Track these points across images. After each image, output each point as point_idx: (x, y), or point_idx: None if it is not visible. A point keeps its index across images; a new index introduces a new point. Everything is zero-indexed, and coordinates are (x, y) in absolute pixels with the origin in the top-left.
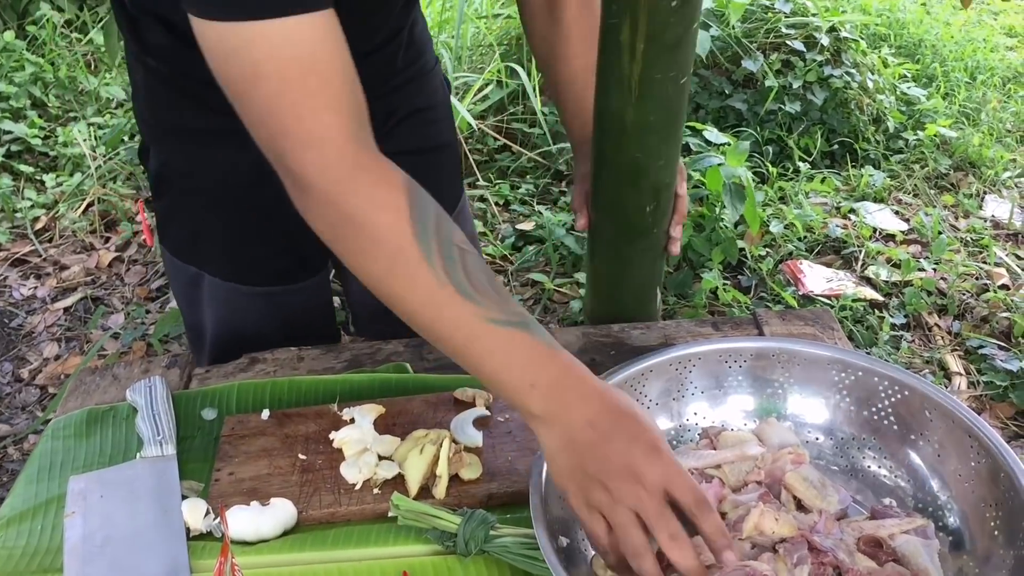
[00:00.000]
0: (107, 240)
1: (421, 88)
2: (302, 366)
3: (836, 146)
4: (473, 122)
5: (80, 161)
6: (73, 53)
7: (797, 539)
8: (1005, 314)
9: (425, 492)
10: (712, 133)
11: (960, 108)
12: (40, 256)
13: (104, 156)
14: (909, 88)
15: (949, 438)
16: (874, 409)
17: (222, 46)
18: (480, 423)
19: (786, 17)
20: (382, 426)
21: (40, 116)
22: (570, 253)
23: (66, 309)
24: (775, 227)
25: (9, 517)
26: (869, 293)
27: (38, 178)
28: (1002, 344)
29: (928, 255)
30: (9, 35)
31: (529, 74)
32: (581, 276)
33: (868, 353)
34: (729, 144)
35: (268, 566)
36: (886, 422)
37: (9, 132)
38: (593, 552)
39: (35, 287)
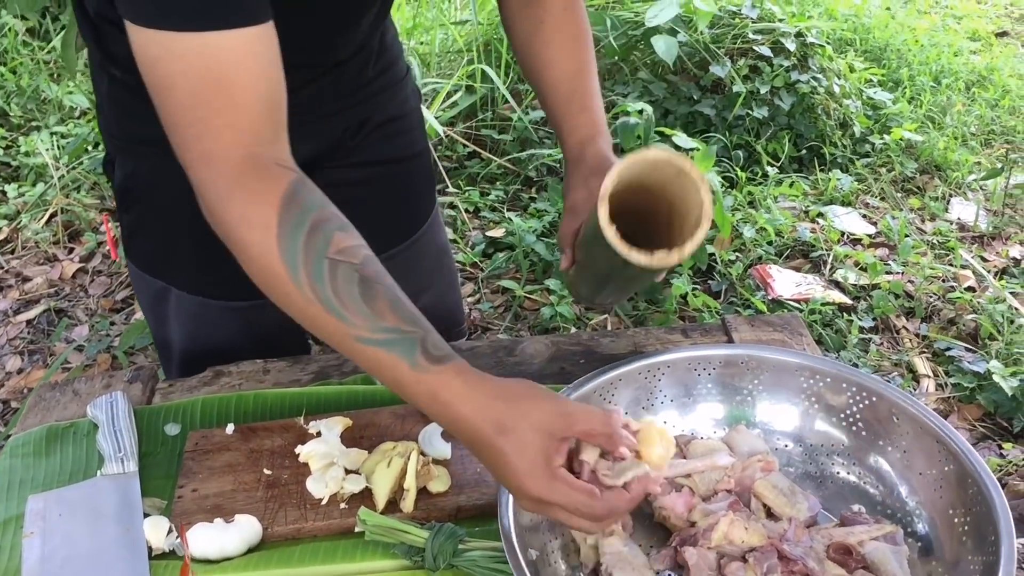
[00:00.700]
0: (71, 251)
1: (392, 97)
2: (268, 379)
3: (804, 151)
4: (441, 130)
5: (43, 171)
6: (35, 61)
7: (767, 548)
8: (971, 316)
9: (393, 506)
10: (681, 138)
11: (925, 112)
12: (2, 268)
13: (67, 166)
14: (875, 93)
15: (917, 444)
16: (843, 415)
17: (146, 52)
18: (449, 435)
19: (753, 23)
20: (349, 439)
21: (1, 125)
22: (540, 260)
23: (29, 322)
24: (745, 232)
25: None
26: (838, 297)
27: (0, 188)
28: (969, 346)
29: (895, 258)
30: None
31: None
32: (551, 283)
33: (837, 356)
34: (698, 149)
35: None
36: (854, 428)
37: None
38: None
39: None
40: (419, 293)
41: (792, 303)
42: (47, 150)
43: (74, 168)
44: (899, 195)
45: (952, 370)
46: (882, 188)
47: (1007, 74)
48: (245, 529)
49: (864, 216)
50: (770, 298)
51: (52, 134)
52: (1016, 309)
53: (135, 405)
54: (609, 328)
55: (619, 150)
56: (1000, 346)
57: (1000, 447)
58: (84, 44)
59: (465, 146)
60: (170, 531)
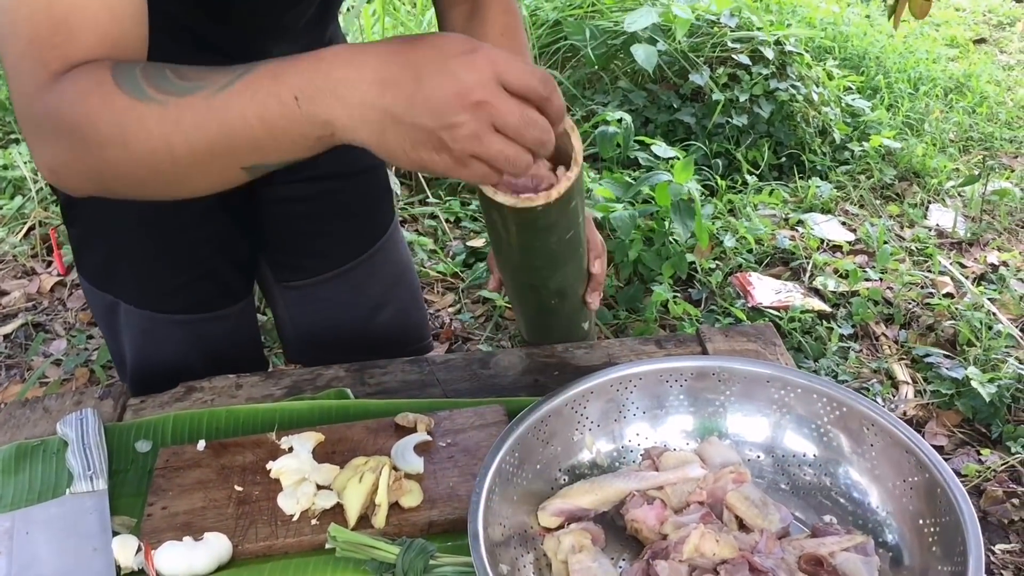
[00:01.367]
0: (49, 264)
1: None
2: (240, 394)
3: (784, 158)
4: None
5: (21, 184)
6: None
7: (738, 560)
8: (950, 322)
9: (365, 521)
10: (661, 147)
11: (904, 119)
12: None
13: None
14: (854, 100)
15: (887, 455)
16: (813, 426)
17: None
18: (421, 448)
19: (732, 31)
20: (321, 454)
21: None
22: None
23: (6, 336)
24: (725, 240)
25: None
26: (817, 304)
27: None
28: (947, 352)
29: (874, 265)
30: None
31: None
32: None
33: (816, 364)
34: (678, 158)
35: None
36: (825, 439)
37: None
38: None
39: None
40: (379, 307)
41: (772, 311)
42: (25, 163)
43: None
44: (878, 202)
45: (931, 376)
46: (861, 195)
47: (985, 81)
48: (214, 547)
49: (843, 223)
50: (750, 306)
51: None
52: (994, 315)
53: (106, 422)
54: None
55: (600, 159)
56: (978, 352)
57: (979, 453)
58: None
59: None
60: (139, 550)
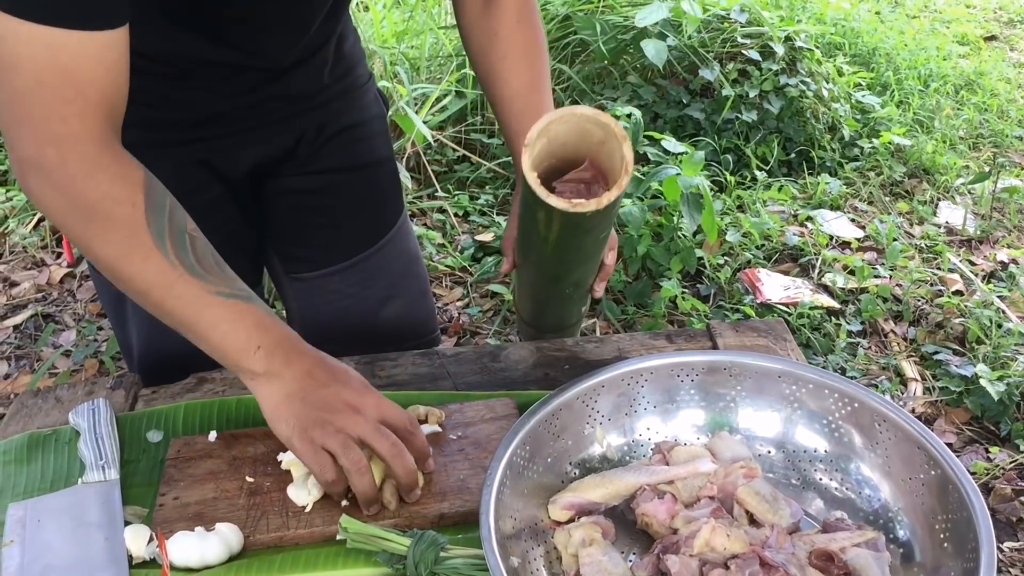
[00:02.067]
0: (58, 256)
1: (352, 104)
2: None
3: (793, 154)
4: (429, 135)
5: None
6: None
7: (749, 555)
8: (959, 320)
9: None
10: (670, 142)
11: (914, 116)
12: None
13: None
14: (864, 96)
15: (899, 450)
16: (825, 422)
17: None
18: (431, 440)
19: (742, 27)
20: None
21: None
22: None
23: (16, 327)
24: (733, 236)
25: None
26: (826, 300)
27: None
28: (957, 349)
29: (883, 262)
30: None
31: None
32: None
33: (825, 360)
34: (687, 153)
35: None
36: (836, 434)
37: None
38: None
39: None
40: (387, 300)
41: (780, 307)
42: None
43: None
44: (887, 199)
45: (940, 374)
46: (870, 192)
47: (995, 78)
48: (226, 537)
49: (852, 220)
50: (758, 302)
51: None
52: (1003, 313)
53: (117, 412)
54: (598, 332)
55: None
56: (987, 350)
57: (987, 451)
58: None
59: (455, 150)
60: (151, 539)
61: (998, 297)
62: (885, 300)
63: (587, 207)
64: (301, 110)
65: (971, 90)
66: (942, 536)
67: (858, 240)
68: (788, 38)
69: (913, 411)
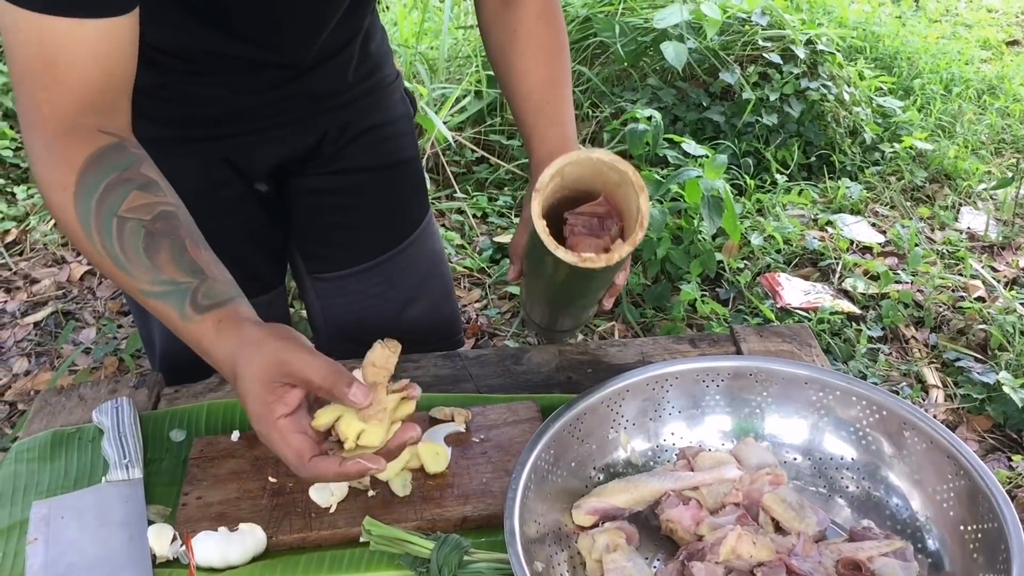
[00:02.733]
0: (79, 253)
1: (378, 103)
2: None
3: (813, 158)
4: (449, 135)
5: None
6: None
7: (775, 563)
8: (981, 326)
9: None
10: (690, 145)
11: (936, 120)
12: (10, 270)
13: None
14: (885, 100)
15: (927, 459)
16: (852, 429)
17: (0, 18)
18: (454, 440)
19: (763, 30)
20: None
21: (11, 127)
22: None
23: (36, 324)
24: (754, 240)
25: None
26: (846, 306)
27: (9, 190)
28: (979, 356)
29: (905, 267)
30: None
31: None
32: None
33: (845, 366)
34: (707, 156)
35: None
36: (864, 442)
37: None
38: None
39: (4, 301)
40: (411, 301)
41: (800, 312)
42: None
43: None
44: (908, 204)
45: (961, 381)
46: (891, 197)
47: (1018, 83)
48: (249, 538)
49: (873, 225)
50: (778, 306)
51: None
52: None
53: (141, 411)
54: (616, 336)
55: (627, 156)
56: (1010, 357)
57: (1009, 459)
58: None
59: (473, 151)
60: (174, 539)
61: (1021, 303)
62: (906, 306)
63: (597, 263)
64: (324, 109)
65: (993, 95)
66: (972, 546)
67: (879, 245)
68: (809, 41)
69: (934, 418)
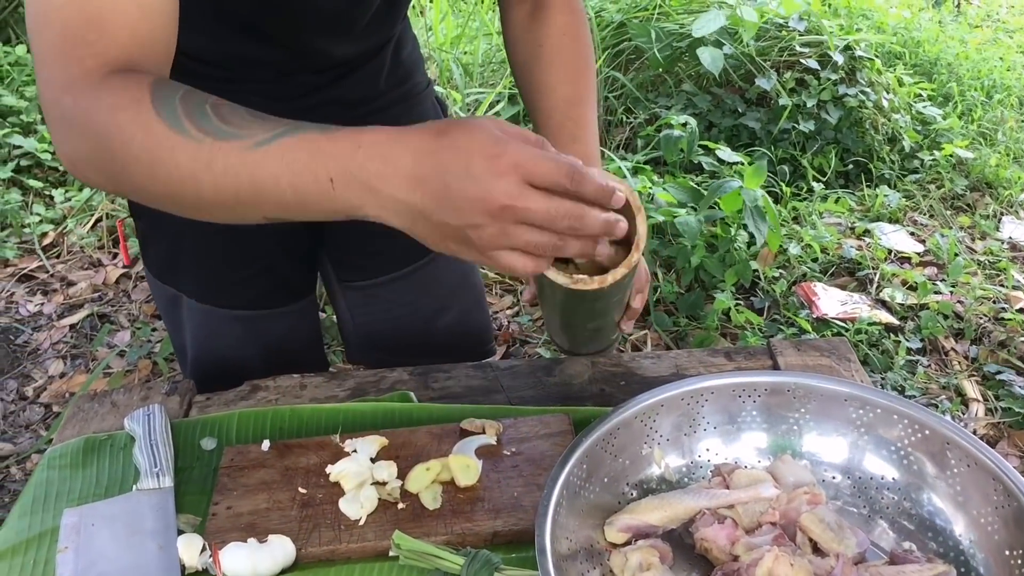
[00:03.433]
0: (115, 256)
1: (409, 110)
2: (304, 394)
3: (850, 166)
4: None
5: None
6: None
7: None
8: (1023, 339)
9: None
10: (725, 152)
11: (977, 128)
12: (47, 272)
13: None
14: (925, 107)
15: (972, 480)
16: (893, 448)
17: None
18: (487, 453)
19: (800, 35)
20: (385, 459)
21: None
22: None
23: (72, 326)
24: (790, 248)
25: (1, 551)
26: (884, 316)
27: (47, 193)
28: (1020, 369)
29: (944, 277)
30: (21, 49)
31: None
32: None
33: (883, 378)
34: (742, 163)
35: None
36: (906, 462)
37: (19, 147)
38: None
39: (42, 303)
40: (443, 310)
41: (837, 322)
42: None
43: None
44: (948, 213)
45: (1003, 394)
46: (931, 205)
47: None
48: (278, 549)
49: (912, 234)
50: (815, 317)
51: None
52: None
53: (172, 418)
54: (649, 345)
55: (663, 163)
56: None
57: None
58: None
59: None
60: (204, 549)
61: None
62: (946, 317)
63: (590, 284)
64: (356, 116)
65: None
66: (1018, 572)
67: (918, 255)
68: (848, 47)
69: (975, 432)
